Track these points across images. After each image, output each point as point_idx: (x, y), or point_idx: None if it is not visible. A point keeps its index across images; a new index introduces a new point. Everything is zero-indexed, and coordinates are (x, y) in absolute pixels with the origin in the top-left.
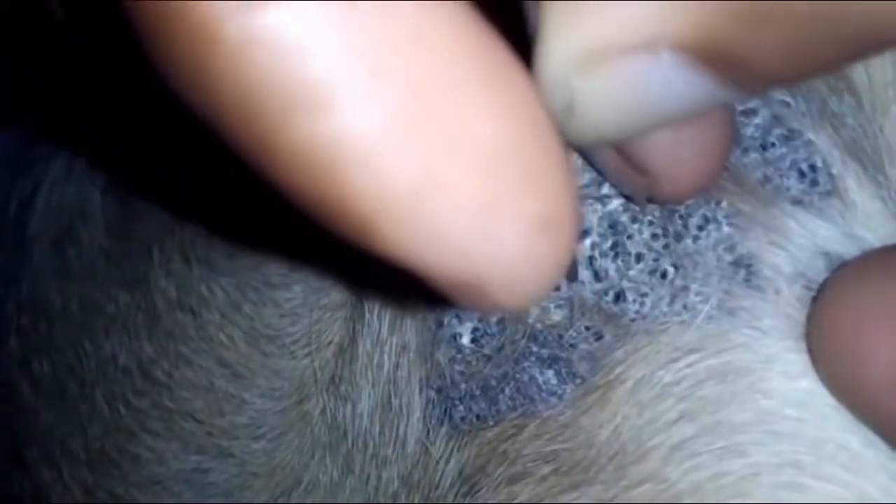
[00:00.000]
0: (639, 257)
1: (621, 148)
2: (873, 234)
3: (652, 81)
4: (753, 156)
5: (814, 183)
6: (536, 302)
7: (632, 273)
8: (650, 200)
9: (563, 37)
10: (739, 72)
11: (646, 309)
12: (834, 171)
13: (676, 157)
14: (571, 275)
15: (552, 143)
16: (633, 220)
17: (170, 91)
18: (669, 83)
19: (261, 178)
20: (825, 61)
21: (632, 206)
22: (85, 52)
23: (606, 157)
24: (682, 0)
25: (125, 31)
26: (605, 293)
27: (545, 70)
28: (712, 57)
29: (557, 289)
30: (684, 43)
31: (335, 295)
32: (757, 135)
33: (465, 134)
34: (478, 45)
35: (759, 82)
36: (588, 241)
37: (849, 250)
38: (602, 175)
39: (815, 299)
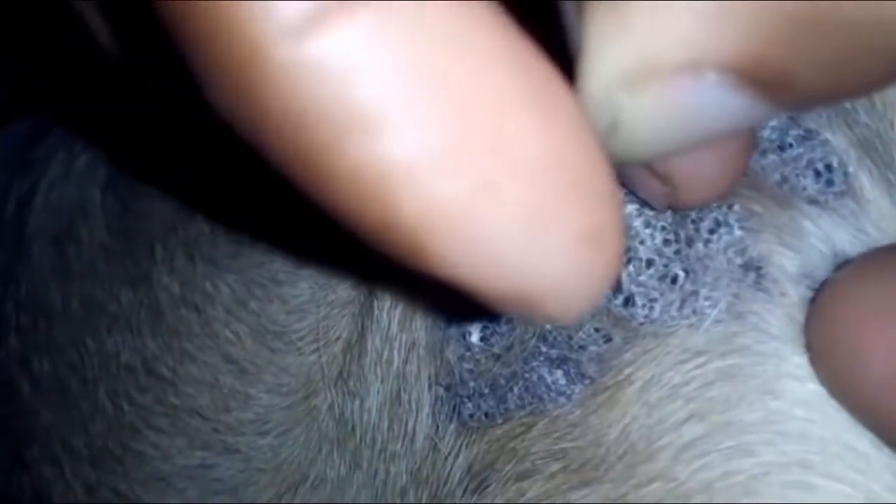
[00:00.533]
0: (649, 263)
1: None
2: (884, 234)
3: (695, 101)
4: (771, 157)
5: (829, 183)
6: (584, 314)
7: (642, 278)
8: (670, 207)
9: (609, 54)
10: (783, 90)
11: (655, 314)
12: (850, 171)
13: (697, 166)
14: (616, 286)
15: (597, 155)
16: (647, 224)
17: (204, 104)
18: (712, 103)
19: (310, 201)
20: (870, 80)
21: (645, 210)
22: (85, 51)
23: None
24: (727, 20)
25: (128, 29)
26: (615, 297)
27: (590, 87)
28: (756, 76)
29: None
30: (729, 63)
31: (343, 291)
32: (774, 136)
33: (511, 148)
34: (520, 56)
35: (802, 100)
36: None
37: (861, 250)
38: (620, 183)
39: (814, 298)
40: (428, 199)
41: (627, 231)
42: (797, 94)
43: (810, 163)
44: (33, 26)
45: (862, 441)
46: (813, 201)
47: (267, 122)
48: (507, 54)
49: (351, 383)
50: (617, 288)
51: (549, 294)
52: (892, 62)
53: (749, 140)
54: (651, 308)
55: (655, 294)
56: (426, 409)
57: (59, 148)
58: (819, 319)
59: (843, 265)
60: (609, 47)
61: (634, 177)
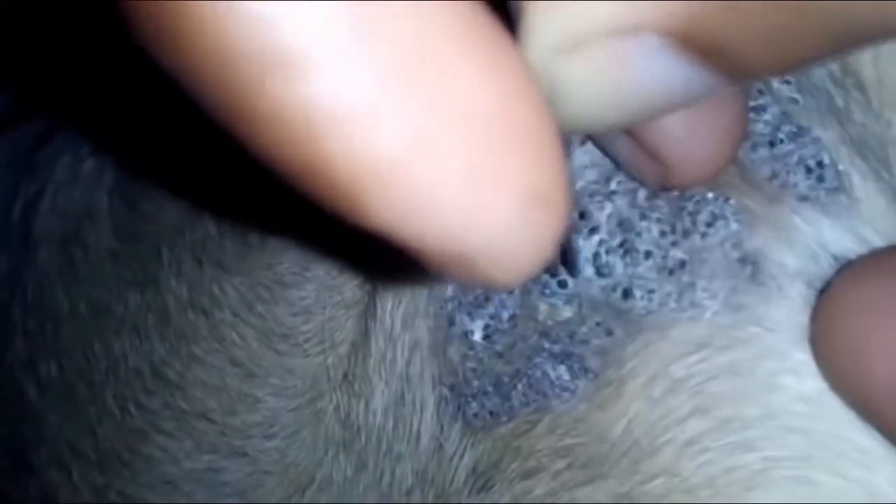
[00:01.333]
0: (647, 254)
1: (634, 135)
2: (877, 232)
3: (633, 67)
4: (762, 152)
5: (821, 179)
6: (526, 278)
7: (640, 270)
8: (663, 188)
9: (542, 21)
10: (725, 60)
11: (653, 305)
12: (841, 168)
13: (689, 145)
14: (572, 266)
15: (543, 115)
16: (643, 217)
17: (151, 60)
18: (653, 69)
19: (243, 147)
20: (809, 53)
21: (641, 203)
22: (86, 52)
23: (620, 145)
24: None
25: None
26: (613, 289)
27: (528, 55)
28: (694, 42)
29: (564, 285)
30: (664, 28)
31: (348, 292)
32: (766, 131)
33: (453, 101)
34: (468, 13)
35: (745, 71)
36: (596, 238)
37: (853, 248)
38: (615, 163)
39: (819, 299)
40: (359, 149)
41: (623, 223)
42: (737, 61)
43: (801, 159)
44: (35, 27)
45: (863, 436)
46: (804, 198)
47: (193, 61)
48: (451, 7)
49: (356, 385)
50: (566, 259)
51: (490, 254)
52: (833, 31)
53: (740, 119)
54: (650, 299)
55: (653, 286)
56: (430, 410)
57: (66, 151)
58: (823, 322)
59: (844, 267)
60: (542, 15)
61: (627, 156)
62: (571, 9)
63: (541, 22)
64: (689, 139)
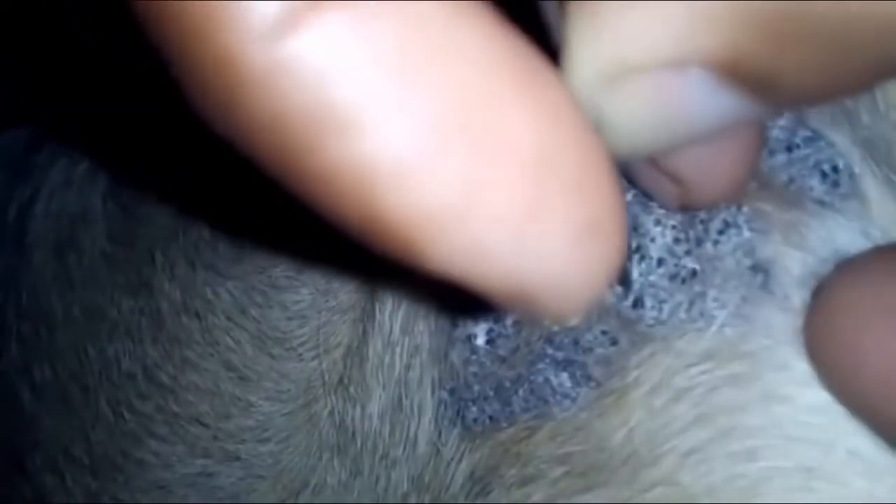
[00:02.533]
0: (660, 262)
1: (653, 158)
2: (887, 235)
3: (680, 98)
4: (780, 157)
5: (836, 184)
6: (590, 307)
7: (653, 278)
8: (682, 209)
9: (588, 52)
10: (768, 89)
11: (664, 315)
12: (855, 172)
13: (708, 166)
14: (624, 279)
15: (593, 146)
16: (657, 223)
17: (188, 105)
18: (696, 100)
19: (301, 203)
20: (855, 81)
21: (655, 208)
22: (86, 53)
23: (638, 165)
24: (708, 17)
25: (127, 31)
26: (625, 298)
27: (573, 84)
28: (740, 75)
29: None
30: (712, 61)
31: (344, 296)
32: (782, 137)
33: (503, 143)
34: (508, 50)
35: (789, 100)
36: None
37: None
38: (630, 182)
39: (813, 298)
40: (414, 199)
41: (638, 228)
42: (783, 93)
43: (817, 164)
44: (33, 26)
45: (867, 446)
46: (819, 202)
47: (246, 125)
48: (493, 47)
49: (352, 389)
50: (624, 281)
51: (548, 289)
52: (879, 61)
53: (758, 140)
54: (660, 309)
55: (665, 295)
56: (429, 414)
57: (60, 154)
58: (817, 320)
59: (840, 265)
60: (588, 45)
61: (645, 176)
62: (620, 38)
63: (587, 51)
64: (709, 160)
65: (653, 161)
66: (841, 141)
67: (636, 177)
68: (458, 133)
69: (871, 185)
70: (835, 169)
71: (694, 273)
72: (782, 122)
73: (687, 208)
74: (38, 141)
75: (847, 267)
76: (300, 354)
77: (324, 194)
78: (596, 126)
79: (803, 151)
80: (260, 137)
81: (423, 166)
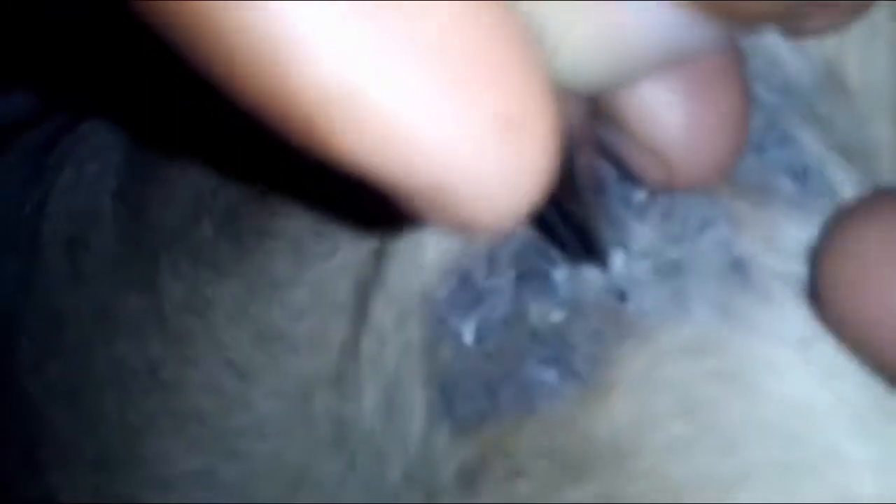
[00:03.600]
0: (643, 255)
1: (637, 135)
2: None
3: (627, 14)
4: (749, 159)
5: (806, 185)
6: (515, 218)
7: (635, 273)
8: (664, 187)
9: None
10: (718, 6)
11: (646, 308)
12: (826, 173)
13: (692, 142)
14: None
15: (522, 50)
16: (638, 217)
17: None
18: (646, 17)
19: (204, 78)
20: None
21: (635, 204)
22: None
23: (622, 144)
24: None
25: None
26: (608, 292)
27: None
28: None
29: (557, 288)
30: None
31: (341, 294)
32: (753, 138)
33: (418, 21)
34: None
35: (739, 16)
36: None
37: None
38: (617, 167)
39: (817, 244)
40: (318, 73)
41: (618, 223)
42: (728, 7)
43: (788, 166)
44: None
45: (848, 443)
46: (791, 203)
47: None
48: None
49: (347, 386)
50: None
51: (464, 186)
52: None
53: (743, 120)
54: (642, 303)
55: (647, 288)
56: (420, 411)
57: (71, 155)
58: (821, 260)
59: (842, 211)
60: None
61: (628, 153)
62: None
63: None
64: (694, 139)
65: (637, 140)
66: (813, 144)
67: (618, 154)
68: (367, 6)
69: (844, 188)
70: (805, 170)
71: (676, 267)
72: (752, 123)
73: (670, 188)
74: (52, 142)
75: (849, 213)
76: (298, 352)
77: (228, 65)
78: (542, 43)
79: (773, 153)
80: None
81: (329, 38)
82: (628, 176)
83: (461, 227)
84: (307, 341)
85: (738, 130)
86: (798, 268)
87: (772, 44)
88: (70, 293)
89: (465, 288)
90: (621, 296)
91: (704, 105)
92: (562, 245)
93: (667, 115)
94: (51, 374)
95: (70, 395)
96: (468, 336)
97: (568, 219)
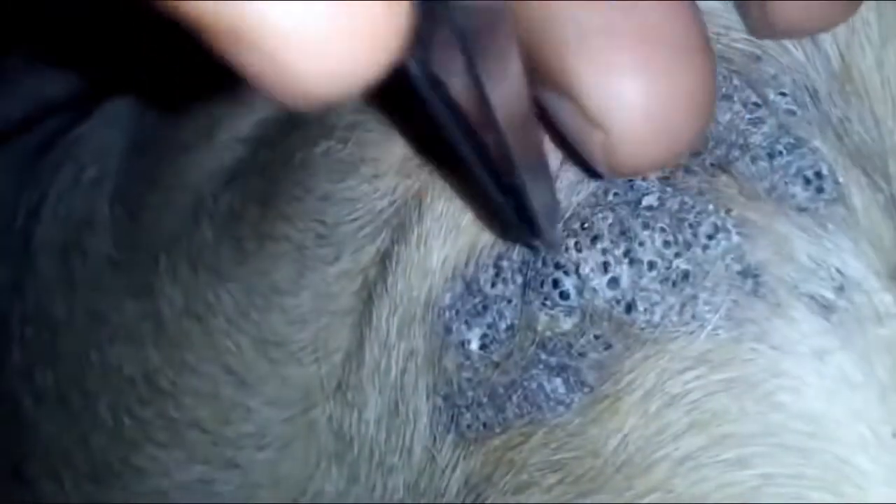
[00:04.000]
0: (651, 265)
1: (579, 99)
2: (874, 244)
3: None
4: (761, 164)
5: (819, 190)
6: (350, 89)
7: (643, 282)
8: (610, 170)
9: None
10: None
11: (656, 318)
12: (840, 179)
13: (648, 119)
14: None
15: None
16: (645, 226)
17: None
18: None
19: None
20: None
21: (643, 212)
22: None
23: (567, 114)
24: None
25: None
26: (618, 301)
27: None
28: None
29: (567, 296)
30: None
31: (344, 300)
32: (765, 143)
33: None
34: None
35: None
36: (599, 247)
37: (851, 261)
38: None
39: None
40: None
41: (626, 232)
42: None
43: (800, 170)
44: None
45: (861, 456)
46: (803, 209)
47: None
48: None
49: (349, 395)
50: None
51: (279, 31)
52: None
53: (706, 103)
54: (652, 312)
55: (657, 298)
56: (424, 420)
57: (67, 159)
58: None
59: None
60: None
61: (572, 127)
62: None
63: None
64: (650, 115)
65: (583, 108)
66: (826, 148)
67: (561, 127)
68: None
69: (856, 193)
70: (818, 174)
71: (685, 276)
72: (764, 128)
73: (614, 170)
74: (46, 146)
75: None
76: (300, 359)
77: None
78: None
79: (785, 158)
80: None
81: None
82: (574, 155)
83: (285, 93)
84: (309, 348)
85: (701, 111)
86: (810, 276)
87: (783, 47)
88: (63, 299)
89: (470, 295)
90: (629, 307)
91: (666, 80)
92: (506, 221)
93: (621, 87)
94: (43, 382)
95: (62, 404)
96: (474, 344)
97: (508, 193)
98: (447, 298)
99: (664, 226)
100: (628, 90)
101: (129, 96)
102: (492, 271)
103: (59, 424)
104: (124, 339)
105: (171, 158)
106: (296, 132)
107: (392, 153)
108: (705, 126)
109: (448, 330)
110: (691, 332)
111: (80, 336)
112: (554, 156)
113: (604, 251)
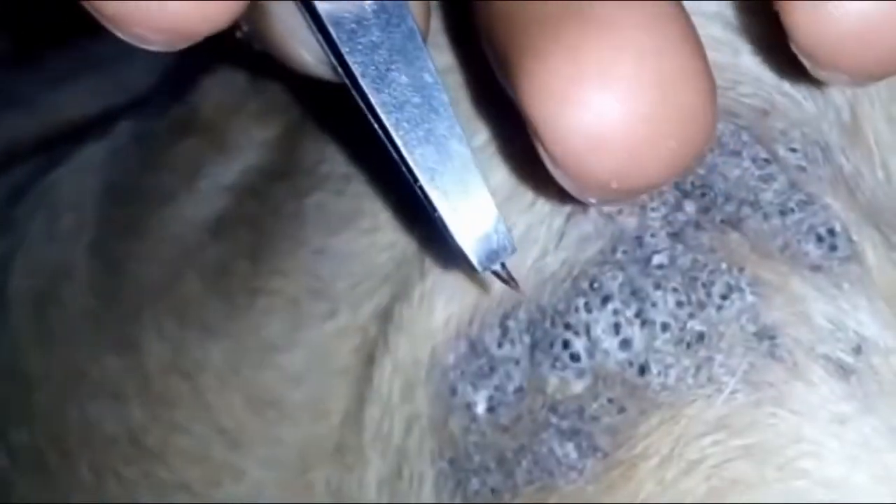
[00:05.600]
0: (665, 327)
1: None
2: (890, 301)
3: None
4: (773, 222)
5: (833, 248)
6: (187, 38)
7: (657, 343)
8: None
9: None
10: None
11: (670, 381)
12: (853, 236)
13: (635, 139)
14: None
15: None
16: (657, 286)
17: None
18: None
19: None
20: None
21: (654, 270)
22: None
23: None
24: None
25: None
26: (630, 364)
27: None
28: None
29: (577, 358)
30: None
31: (342, 358)
32: (776, 201)
33: None
34: None
35: None
36: (610, 308)
37: (868, 321)
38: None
39: None
40: None
41: (637, 293)
42: None
43: (812, 228)
44: None
45: None
46: (816, 268)
47: None
48: None
49: (349, 457)
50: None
51: None
52: None
53: (699, 125)
54: (666, 375)
55: (671, 360)
56: (428, 485)
57: (41, 207)
58: None
59: None
60: None
61: (542, 146)
62: None
63: None
64: (637, 135)
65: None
66: (838, 205)
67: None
68: None
69: (870, 250)
70: (831, 232)
71: (700, 337)
72: (776, 185)
73: (572, 192)
74: (19, 192)
75: None
76: (295, 419)
77: None
78: None
79: (798, 215)
80: None
81: None
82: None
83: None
84: (305, 408)
85: (694, 132)
86: (828, 336)
87: (792, 100)
88: (39, 353)
89: (475, 355)
90: (642, 369)
91: (657, 98)
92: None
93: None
94: (18, 441)
95: (39, 463)
96: (480, 406)
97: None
98: (451, 359)
99: (676, 285)
100: (616, 111)
101: (104, 140)
102: (498, 331)
103: (35, 484)
104: (106, 396)
105: (152, 207)
106: (282, 182)
107: (391, 205)
108: (701, 145)
109: (453, 392)
110: (708, 396)
111: (57, 392)
112: (559, 213)
113: (615, 312)
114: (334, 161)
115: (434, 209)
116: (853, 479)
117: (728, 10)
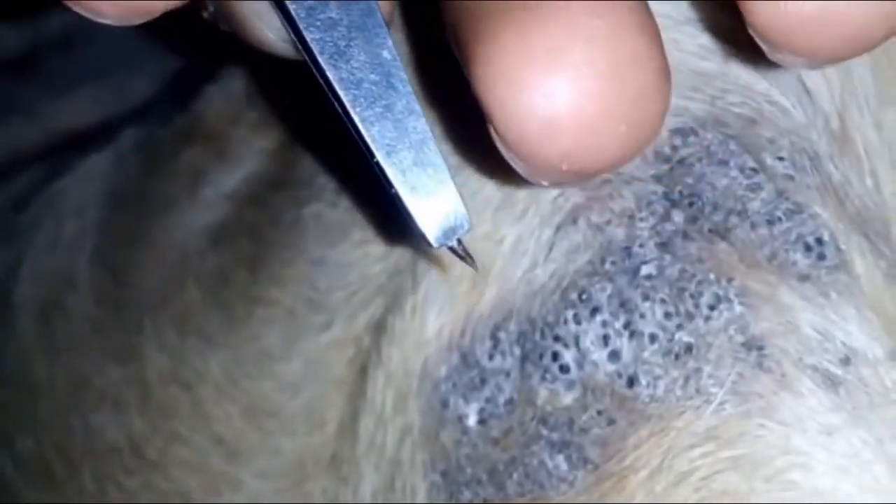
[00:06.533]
0: (653, 338)
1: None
2: (878, 311)
3: None
4: (761, 231)
5: (821, 257)
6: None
7: (645, 355)
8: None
9: None
10: None
11: (659, 392)
12: (841, 245)
13: (586, 123)
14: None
15: None
16: (645, 297)
17: None
18: None
19: None
20: None
21: (643, 282)
22: None
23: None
24: None
25: None
26: (619, 376)
27: None
28: None
29: (567, 370)
30: None
31: (337, 369)
32: (763, 210)
33: None
34: None
35: None
36: (599, 319)
37: (856, 331)
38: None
39: None
40: None
41: (626, 304)
42: None
43: (800, 237)
44: None
45: None
46: (805, 277)
47: None
48: None
49: (344, 468)
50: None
51: None
52: None
53: (650, 110)
54: (655, 387)
55: (659, 371)
56: (421, 497)
57: (46, 215)
58: None
59: None
60: None
61: (494, 129)
62: None
63: None
64: (588, 119)
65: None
66: (826, 214)
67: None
68: None
69: (858, 259)
70: (819, 241)
71: (688, 348)
72: (763, 194)
73: (542, 176)
74: (24, 201)
75: None
76: (292, 429)
77: None
78: None
79: (785, 224)
80: None
81: None
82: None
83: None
84: (301, 419)
85: (645, 117)
86: (816, 347)
87: (781, 109)
88: (44, 361)
89: (467, 367)
90: (631, 380)
91: (607, 82)
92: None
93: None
94: (24, 449)
95: (44, 472)
96: (472, 419)
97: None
98: (443, 371)
99: (664, 296)
100: (567, 96)
101: (108, 148)
102: (489, 343)
103: (40, 492)
104: (108, 406)
105: (155, 214)
106: (283, 191)
107: (382, 217)
108: (654, 130)
109: (445, 404)
110: (697, 407)
111: (61, 400)
112: (549, 224)
113: (604, 323)
114: (329, 173)
115: (391, 185)
116: (842, 490)
117: (717, 19)
